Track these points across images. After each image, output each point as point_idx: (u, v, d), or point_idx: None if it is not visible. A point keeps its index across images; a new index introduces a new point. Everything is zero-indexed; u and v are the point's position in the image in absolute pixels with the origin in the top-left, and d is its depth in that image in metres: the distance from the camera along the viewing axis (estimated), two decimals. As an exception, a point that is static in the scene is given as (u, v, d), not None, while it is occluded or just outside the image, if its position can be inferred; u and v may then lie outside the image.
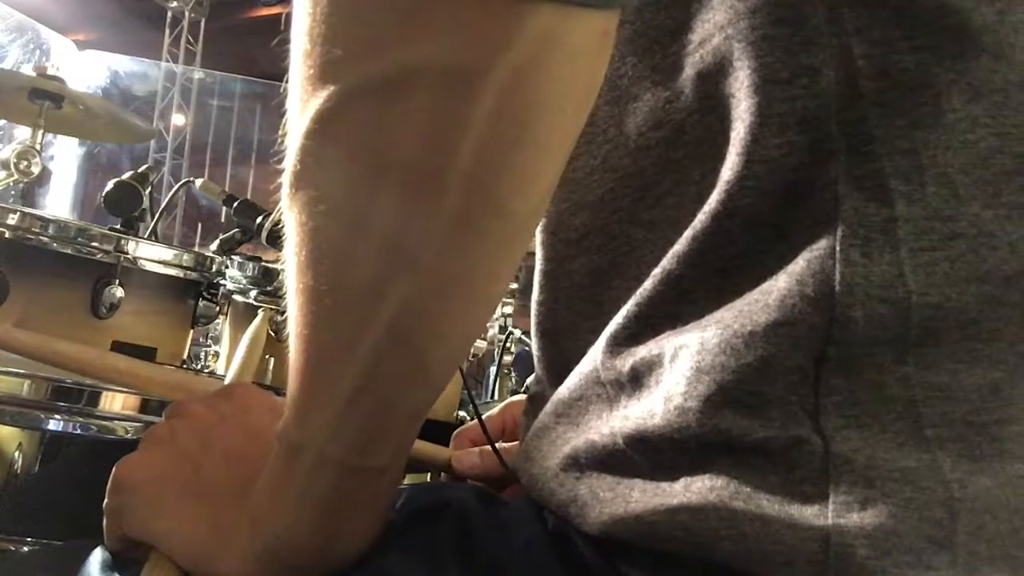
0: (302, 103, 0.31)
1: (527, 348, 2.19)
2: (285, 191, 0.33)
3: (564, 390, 0.41)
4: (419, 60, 0.29)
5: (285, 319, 1.20)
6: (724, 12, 0.35)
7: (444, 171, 0.30)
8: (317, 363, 0.35)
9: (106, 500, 0.43)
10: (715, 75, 0.35)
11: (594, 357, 0.39)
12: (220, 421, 0.45)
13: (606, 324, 0.39)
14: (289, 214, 0.33)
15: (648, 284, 0.37)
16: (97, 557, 0.44)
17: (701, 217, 0.35)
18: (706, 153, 0.36)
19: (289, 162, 0.33)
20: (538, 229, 0.44)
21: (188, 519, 0.40)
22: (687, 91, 0.37)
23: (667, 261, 0.36)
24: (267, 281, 1.24)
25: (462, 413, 1.21)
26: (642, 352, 0.36)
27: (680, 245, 0.36)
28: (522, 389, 2.02)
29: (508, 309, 2.11)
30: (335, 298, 0.33)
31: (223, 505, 0.40)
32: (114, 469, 0.43)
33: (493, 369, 2.23)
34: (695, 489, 0.33)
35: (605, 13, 0.30)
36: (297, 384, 0.36)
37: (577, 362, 0.41)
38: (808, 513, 0.31)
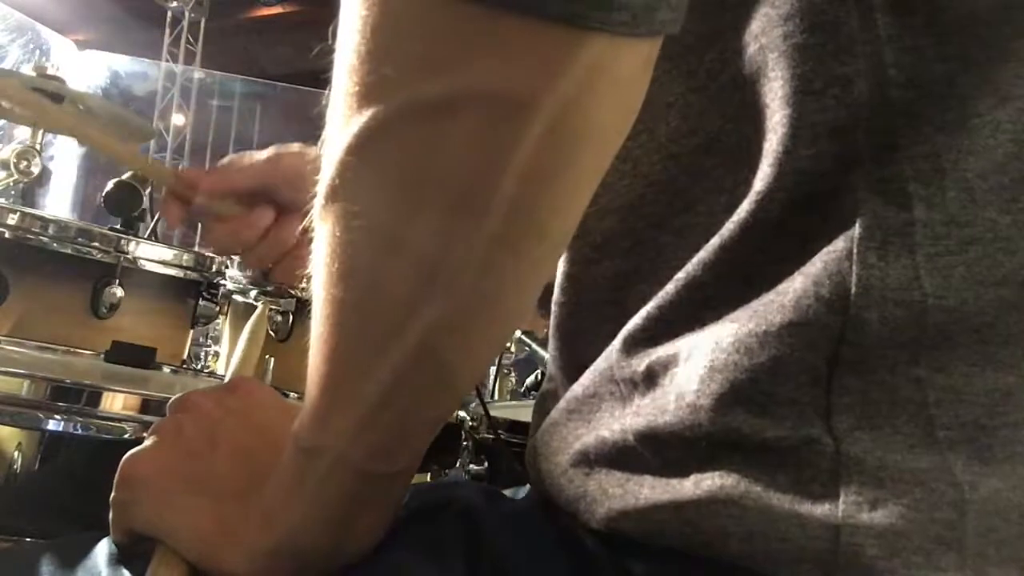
0: (345, 118, 0.31)
1: (527, 349, 2.19)
2: (319, 202, 0.33)
3: (578, 387, 0.41)
4: (470, 85, 0.29)
5: (285, 319, 1.20)
6: (759, 21, 0.35)
7: (488, 195, 0.30)
8: (342, 373, 0.35)
9: (112, 494, 0.43)
10: (750, 84, 0.35)
11: (610, 356, 0.39)
12: (226, 416, 0.45)
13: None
14: (322, 224, 0.33)
15: (671, 288, 0.37)
16: (103, 549, 0.44)
17: (730, 226, 0.35)
18: (739, 162, 0.36)
19: (326, 175, 0.33)
20: None
21: (195, 514, 0.40)
22: (723, 99, 0.37)
23: (692, 267, 0.36)
24: (267, 281, 1.24)
25: (462, 413, 1.21)
26: (658, 352, 0.36)
27: (706, 252, 0.36)
28: (522, 389, 2.01)
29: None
30: (366, 312, 0.34)
31: (230, 500, 0.40)
32: (121, 463, 0.43)
33: (493, 369, 2.23)
34: (704, 486, 0.33)
35: (652, 41, 0.30)
36: (318, 389, 0.36)
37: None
38: (818, 512, 0.31)
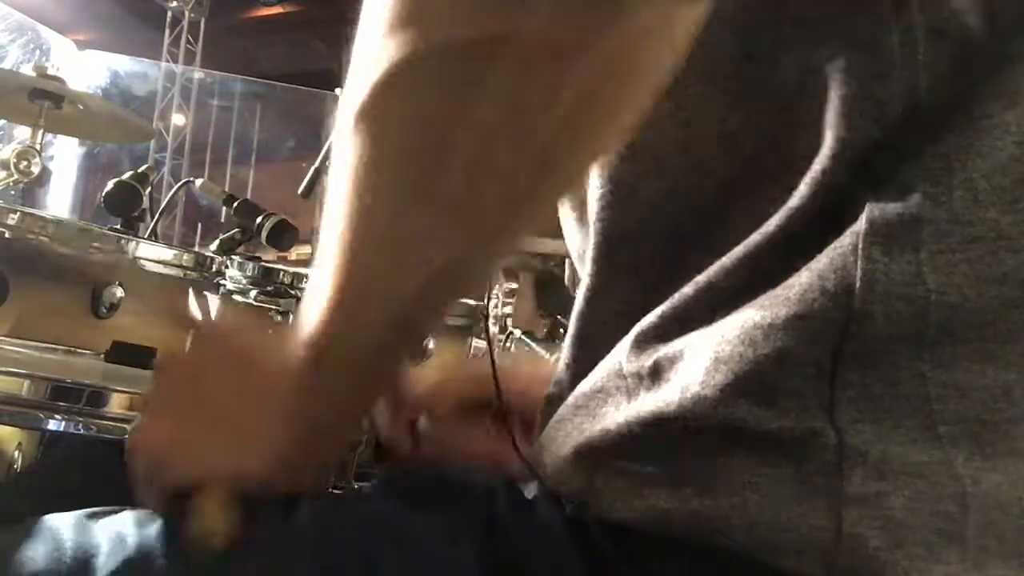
0: (383, 43, 0.32)
1: (527, 350, 2.19)
2: (348, 121, 0.35)
3: (586, 383, 0.41)
4: (514, 29, 0.30)
5: (285, 319, 1.20)
6: (800, 40, 0.35)
7: (517, 147, 0.32)
8: (362, 275, 0.38)
9: (137, 468, 0.45)
10: (789, 103, 0.36)
11: (619, 352, 0.39)
12: (198, 360, 0.48)
13: None
14: (349, 141, 0.35)
15: (688, 290, 0.37)
16: (128, 516, 0.45)
17: (756, 238, 0.36)
18: (777, 180, 0.36)
19: (357, 94, 0.34)
20: (589, 246, 0.44)
21: (217, 450, 0.44)
22: (760, 118, 0.37)
23: (712, 272, 0.37)
24: (267, 281, 1.24)
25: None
26: (666, 348, 0.37)
27: (729, 259, 0.36)
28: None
29: (508, 309, 2.11)
30: (391, 233, 0.36)
31: (238, 419, 0.44)
32: (129, 443, 0.46)
33: (493, 369, 2.23)
34: (708, 477, 0.34)
35: (700, 4, 0.32)
36: (334, 295, 0.39)
37: None
38: (820, 503, 0.32)
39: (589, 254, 0.44)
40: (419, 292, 0.37)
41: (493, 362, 0.56)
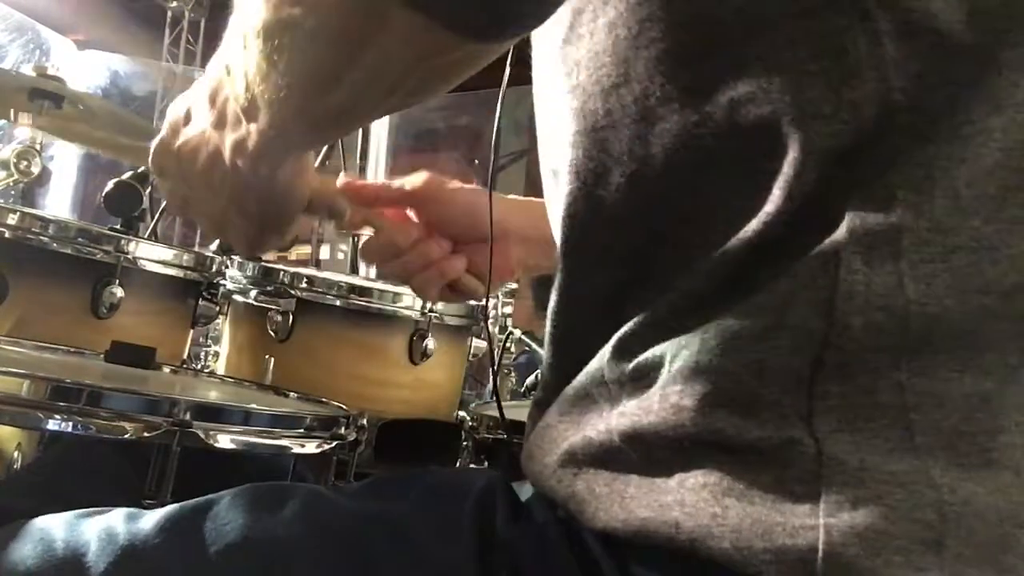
0: None
1: (527, 350, 2.19)
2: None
3: (570, 390, 0.41)
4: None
5: (285, 319, 1.20)
6: (761, 40, 0.35)
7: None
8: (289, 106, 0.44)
9: (239, 221, 0.55)
10: (748, 104, 0.35)
11: (602, 358, 0.39)
12: (174, 170, 0.54)
13: None
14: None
15: (671, 296, 0.37)
16: (119, 513, 0.45)
17: (735, 243, 0.35)
18: (741, 181, 0.36)
19: None
20: (558, 242, 0.44)
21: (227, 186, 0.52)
22: (717, 116, 0.37)
23: (693, 278, 0.37)
24: (267, 281, 1.24)
25: (462, 413, 1.21)
26: (647, 354, 0.37)
27: (708, 264, 0.36)
28: (522, 389, 2.02)
29: (508, 309, 2.11)
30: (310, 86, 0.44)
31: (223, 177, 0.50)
32: (198, 222, 0.57)
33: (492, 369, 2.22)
34: (689, 486, 0.34)
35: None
36: (271, 106, 0.45)
37: None
38: (800, 512, 0.32)
39: (560, 248, 0.44)
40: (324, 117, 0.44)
41: (493, 362, 0.58)
